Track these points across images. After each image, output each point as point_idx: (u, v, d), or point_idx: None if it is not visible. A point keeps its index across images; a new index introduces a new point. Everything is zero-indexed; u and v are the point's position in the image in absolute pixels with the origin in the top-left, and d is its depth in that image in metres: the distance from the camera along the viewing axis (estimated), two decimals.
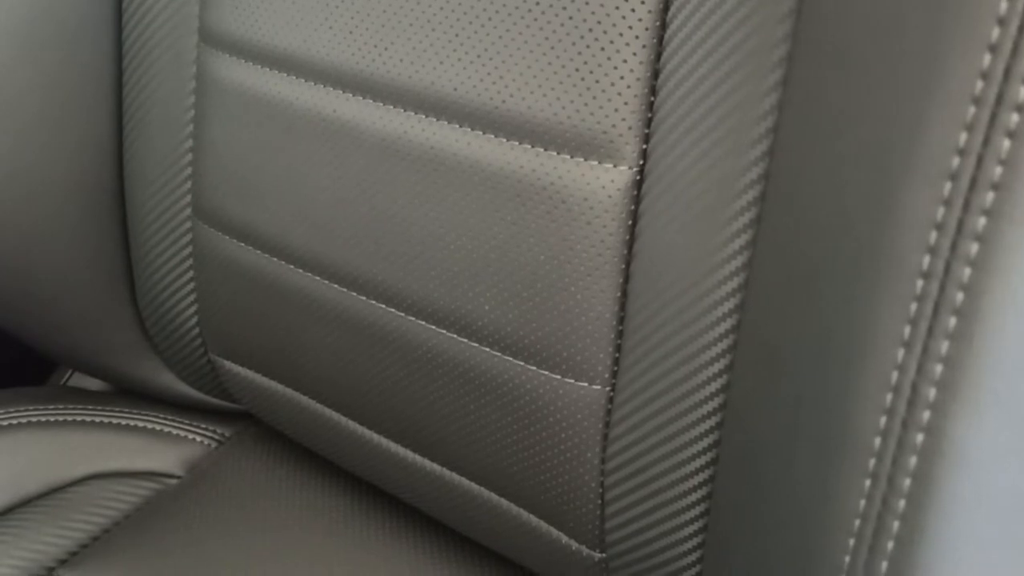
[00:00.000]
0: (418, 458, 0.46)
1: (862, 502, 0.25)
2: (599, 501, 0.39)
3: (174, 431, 0.56)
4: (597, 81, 0.34)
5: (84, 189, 0.51)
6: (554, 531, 0.42)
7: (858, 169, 0.25)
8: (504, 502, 0.44)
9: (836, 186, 0.26)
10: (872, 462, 0.25)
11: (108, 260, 0.53)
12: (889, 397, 0.24)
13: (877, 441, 0.25)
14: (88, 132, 0.50)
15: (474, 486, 0.45)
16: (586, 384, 0.38)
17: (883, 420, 0.24)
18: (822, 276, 0.26)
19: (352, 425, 0.48)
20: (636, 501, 0.38)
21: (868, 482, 0.25)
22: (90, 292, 0.53)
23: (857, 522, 0.25)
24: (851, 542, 0.25)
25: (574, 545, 0.42)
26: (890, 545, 0.24)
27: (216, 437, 0.56)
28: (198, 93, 0.47)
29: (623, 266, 0.35)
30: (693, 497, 0.36)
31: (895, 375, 0.24)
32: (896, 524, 0.24)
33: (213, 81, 0.46)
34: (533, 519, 0.43)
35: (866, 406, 0.25)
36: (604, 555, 0.41)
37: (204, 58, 0.46)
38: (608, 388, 0.37)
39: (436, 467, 0.46)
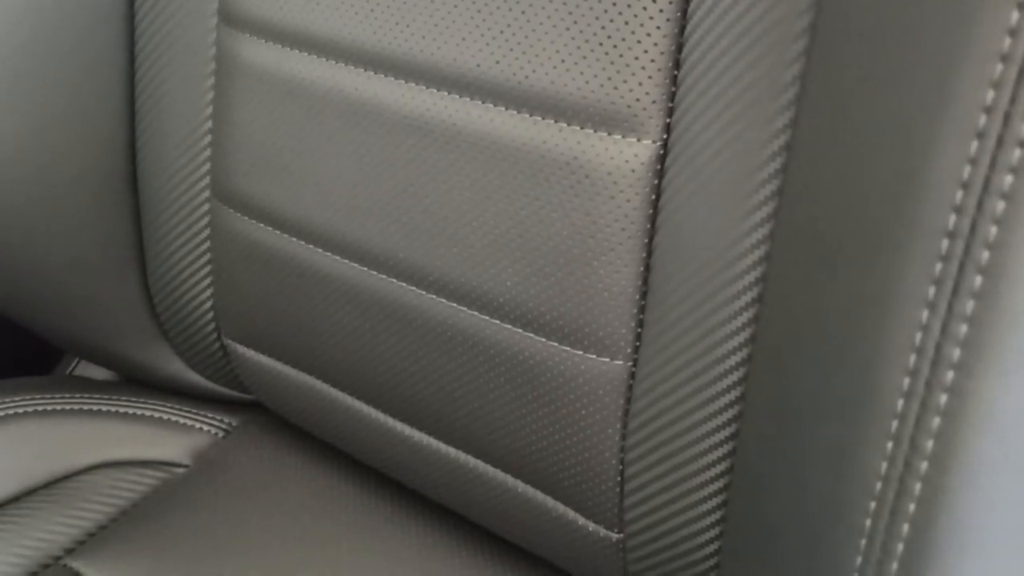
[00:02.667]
0: (433, 441, 0.46)
1: (884, 464, 0.25)
2: (618, 479, 0.39)
3: (181, 420, 0.56)
4: (621, 55, 0.34)
5: (94, 172, 0.51)
6: (571, 512, 0.42)
7: (884, 131, 0.25)
8: (520, 484, 0.44)
9: (861, 149, 0.26)
10: (895, 424, 0.25)
11: (119, 244, 0.53)
12: (913, 358, 0.24)
13: (900, 403, 0.24)
14: (99, 115, 0.50)
15: (490, 469, 0.44)
16: (608, 359, 0.38)
17: (906, 381, 0.24)
18: (847, 240, 0.27)
19: (366, 409, 0.48)
20: (656, 477, 0.38)
21: (890, 444, 0.25)
22: (100, 276, 0.53)
23: (879, 485, 0.25)
24: (872, 505, 0.25)
25: (591, 526, 0.42)
26: (912, 507, 0.24)
27: (223, 426, 0.56)
28: (218, 74, 0.47)
29: (646, 240, 0.36)
30: (713, 471, 0.36)
31: (919, 336, 0.24)
32: (918, 486, 0.24)
33: (234, 62, 0.46)
34: (549, 501, 0.43)
35: (889, 368, 0.25)
36: (621, 535, 0.41)
37: (224, 39, 0.46)
38: (630, 363, 0.37)
39: (451, 450, 0.45)
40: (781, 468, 0.31)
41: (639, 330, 0.37)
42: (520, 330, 0.39)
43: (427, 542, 0.50)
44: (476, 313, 0.40)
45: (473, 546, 0.50)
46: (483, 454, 0.44)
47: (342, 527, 0.50)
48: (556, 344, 0.38)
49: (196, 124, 0.49)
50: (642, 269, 0.36)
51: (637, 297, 0.36)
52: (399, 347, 0.44)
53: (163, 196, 0.51)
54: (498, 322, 0.40)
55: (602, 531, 0.42)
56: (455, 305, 0.41)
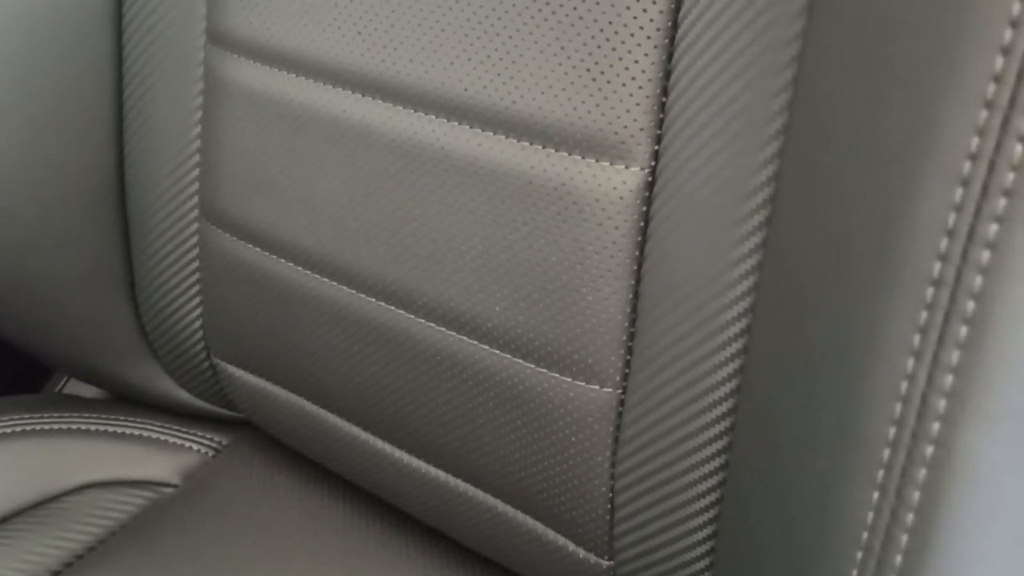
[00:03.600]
0: (423, 464, 0.46)
1: (870, 514, 0.25)
2: (608, 506, 0.39)
3: (171, 439, 0.55)
4: (608, 81, 0.34)
5: (83, 190, 0.51)
6: (561, 538, 0.42)
7: (868, 172, 0.25)
8: (510, 510, 0.43)
9: (846, 189, 0.26)
10: (881, 474, 0.24)
11: (108, 262, 0.53)
12: (898, 407, 0.24)
13: (886, 452, 0.24)
14: (88, 133, 0.50)
15: (479, 493, 0.44)
16: (597, 387, 0.37)
17: (892, 431, 0.24)
18: (830, 282, 0.26)
19: (356, 431, 0.48)
20: (646, 505, 0.38)
21: (877, 494, 0.24)
22: (89, 294, 0.53)
23: (865, 535, 0.25)
24: (859, 555, 0.25)
25: (581, 553, 0.41)
26: (899, 559, 0.24)
27: (213, 445, 0.56)
28: (206, 94, 0.47)
29: (635, 267, 0.35)
30: (704, 501, 0.36)
31: (904, 385, 0.23)
32: (905, 538, 0.24)
33: (222, 82, 0.45)
34: (539, 527, 0.43)
35: (875, 416, 0.24)
36: (612, 562, 0.41)
37: (212, 59, 0.46)
38: (619, 391, 0.37)
39: (440, 474, 0.45)
40: (770, 504, 0.30)
41: (628, 357, 0.37)
42: (509, 356, 0.39)
43: (418, 564, 0.49)
44: (465, 338, 0.40)
45: (464, 570, 0.49)
46: (472, 478, 0.44)
47: (333, 548, 0.49)
48: (545, 370, 0.38)
49: (184, 143, 0.48)
50: (631, 296, 0.36)
51: (626, 324, 0.36)
52: (388, 370, 0.43)
53: (151, 215, 0.50)
54: (487, 347, 0.39)
55: (592, 558, 0.41)
56: (444, 330, 0.40)
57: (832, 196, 0.26)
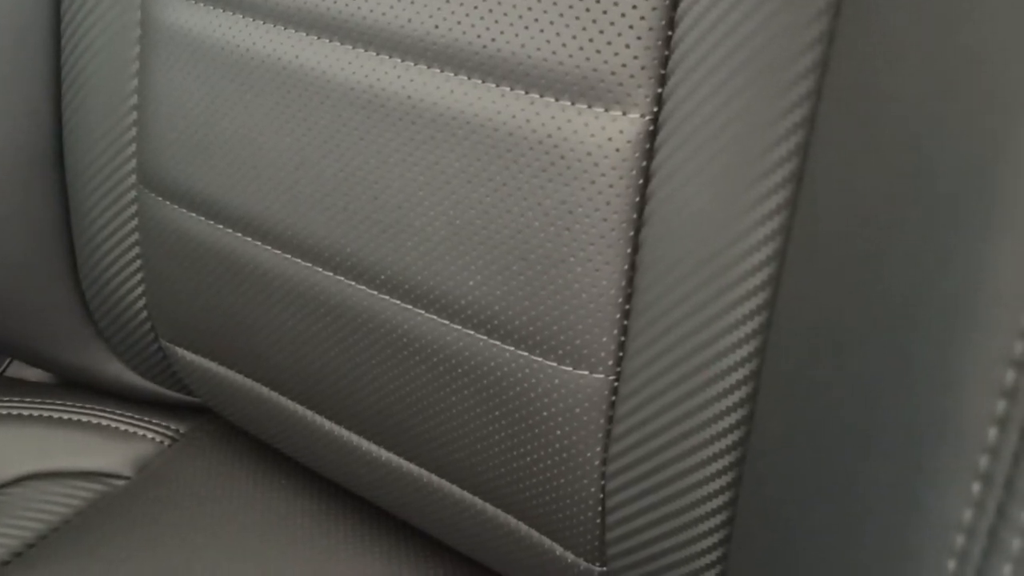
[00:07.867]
0: (393, 457, 0.42)
1: (968, 512, 0.20)
2: (599, 508, 0.36)
3: (122, 427, 0.53)
4: (605, 12, 0.30)
5: (18, 155, 0.48)
6: (547, 541, 0.39)
7: (969, 75, 0.20)
8: (490, 508, 0.40)
9: (905, 123, 0.21)
10: (984, 460, 0.20)
11: (48, 234, 0.50)
12: (1010, 375, 0.19)
13: (992, 432, 0.20)
14: (21, 92, 0.47)
15: (456, 490, 0.41)
16: (586, 372, 0.34)
17: (1001, 405, 0.19)
18: (909, 222, 0.22)
19: (319, 420, 0.45)
20: (643, 508, 0.34)
21: (977, 486, 0.20)
22: (29, 270, 0.50)
23: (960, 539, 0.21)
24: (951, 564, 0.21)
25: (570, 558, 0.38)
26: (1008, 569, 0.20)
27: (169, 434, 0.53)
28: (143, 41, 0.44)
29: (632, 233, 0.32)
30: (713, 504, 0.32)
31: (1020, 345, 0.19)
32: (1017, 542, 0.19)
33: (159, 26, 0.42)
34: (523, 527, 0.39)
35: (976, 387, 0.20)
36: (605, 569, 0.38)
37: (149, 0, 0.43)
38: (612, 377, 0.34)
39: (413, 468, 0.42)
40: (805, 505, 0.26)
41: (623, 339, 0.33)
42: (484, 337, 0.36)
43: (391, 561, 0.47)
44: (434, 317, 0.37)
45: (441, 567, 0.46)
46: (448, 474, 0.41)
47: (298, 545, 0.47)
48: (526, 354, 0.35)
49: (121, 99, 0.45)
50: (627, 267, 0.32)
51: (620, 300, 0.33)
52: (349, 354, 0.40)
53: (88, 181, 0.47)
54: (459, 328, 0.36)
55: (582, 563, 0.38)
56: (410, 307, 0.37)
57: (886, 132, 0.22)
